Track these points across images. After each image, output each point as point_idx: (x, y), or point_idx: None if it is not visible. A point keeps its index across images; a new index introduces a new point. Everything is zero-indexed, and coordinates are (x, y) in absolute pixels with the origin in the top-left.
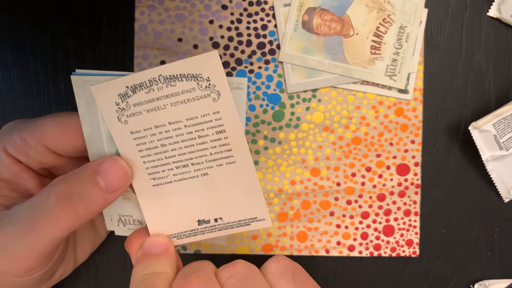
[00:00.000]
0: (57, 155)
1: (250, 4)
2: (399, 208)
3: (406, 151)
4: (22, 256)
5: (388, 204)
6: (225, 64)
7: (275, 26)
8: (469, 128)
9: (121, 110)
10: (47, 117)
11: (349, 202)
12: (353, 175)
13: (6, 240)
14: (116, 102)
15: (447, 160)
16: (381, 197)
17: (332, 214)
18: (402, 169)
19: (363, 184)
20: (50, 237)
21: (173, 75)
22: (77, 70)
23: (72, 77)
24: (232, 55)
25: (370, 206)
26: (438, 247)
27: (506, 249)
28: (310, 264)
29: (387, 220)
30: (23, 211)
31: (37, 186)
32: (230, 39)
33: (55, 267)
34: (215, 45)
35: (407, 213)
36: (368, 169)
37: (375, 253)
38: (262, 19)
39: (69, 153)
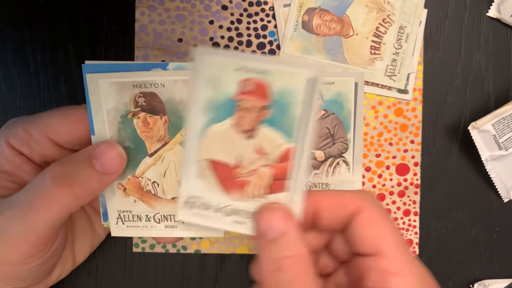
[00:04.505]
0: (60, 147)
1: (250, 4)
2: (398, 208)
3: (405, 151)
4: (21, 239)
5: (387, 204)
6: None
7: (275, 26)
8: (469, 128)
9: None
10: (52, 110)
11: None
12: None
13: (5, 224)
14: None
15: (447, 160)
16: (381, 197)
17: None
18: (402, 169)
19: (362, 184)
20: (48, 217)
21: None
22: (87, 62)
23: (87, 75)
24: None
25: None
26: (437, 247)
27: (505, 249)
28: None
29: None
30: (20, 195)
31: None
32: (230, 39)
33: (53, 260)
34: (215, 45)
35: (406, 213)
36: (368, 169)
37: None
38: (262, 20)
39: (72, 144)
